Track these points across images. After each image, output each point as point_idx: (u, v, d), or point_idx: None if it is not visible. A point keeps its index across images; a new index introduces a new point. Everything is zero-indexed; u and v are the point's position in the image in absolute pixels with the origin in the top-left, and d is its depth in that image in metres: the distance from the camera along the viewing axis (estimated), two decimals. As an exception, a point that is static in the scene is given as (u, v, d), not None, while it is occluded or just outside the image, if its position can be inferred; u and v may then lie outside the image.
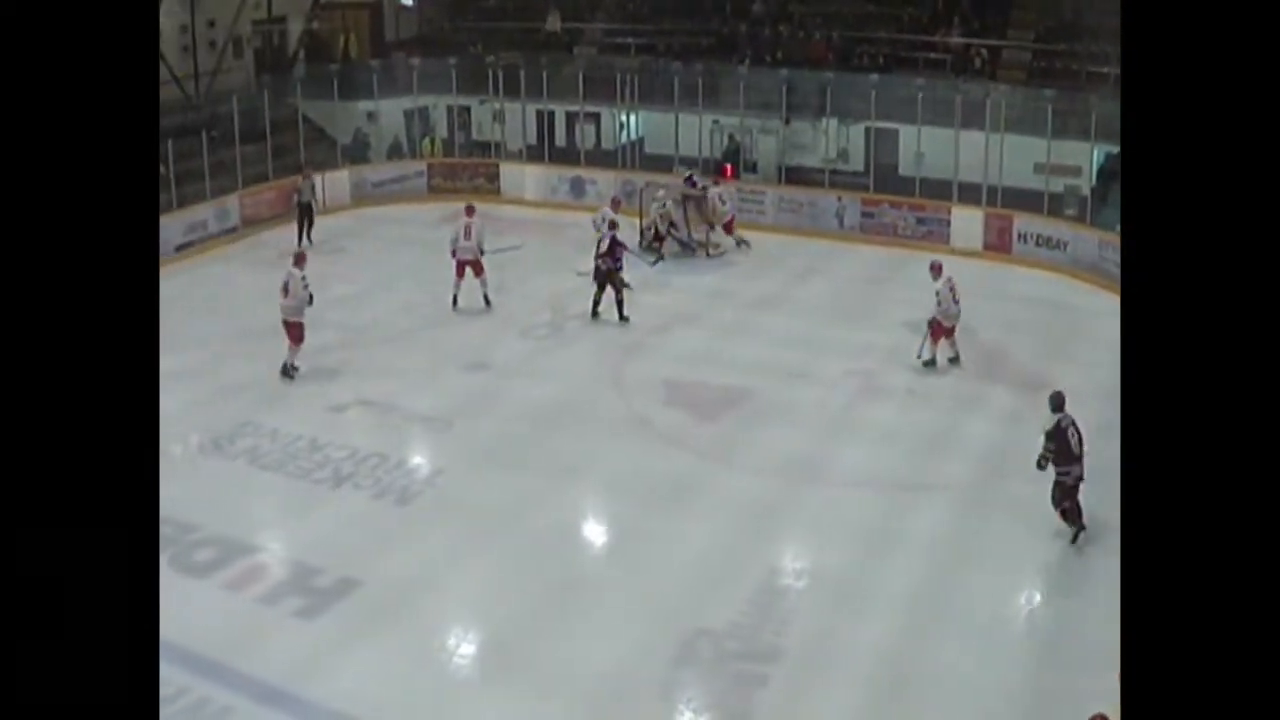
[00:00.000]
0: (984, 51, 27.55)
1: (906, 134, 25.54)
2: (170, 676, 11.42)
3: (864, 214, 25.05)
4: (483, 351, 19.23)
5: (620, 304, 19.83)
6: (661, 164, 27.39)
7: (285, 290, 18.36)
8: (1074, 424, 12.99)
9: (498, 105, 29.47)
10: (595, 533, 14.46)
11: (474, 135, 30.87)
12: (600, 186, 27.36)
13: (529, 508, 14.20)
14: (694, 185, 24.83)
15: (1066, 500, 13.09)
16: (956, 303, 17.72)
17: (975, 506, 14.16)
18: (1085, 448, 12.95)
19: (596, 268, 19.89)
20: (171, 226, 25.24)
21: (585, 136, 29.04)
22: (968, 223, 24.19)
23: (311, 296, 18.25)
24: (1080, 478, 13.00)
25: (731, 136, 27.47)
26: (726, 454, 15.56)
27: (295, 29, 33.54)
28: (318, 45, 33.89)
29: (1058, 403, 13.11)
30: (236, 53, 31.86)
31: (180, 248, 25.36)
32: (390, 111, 30.58)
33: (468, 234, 20.96)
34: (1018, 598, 12.50)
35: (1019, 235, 23.56)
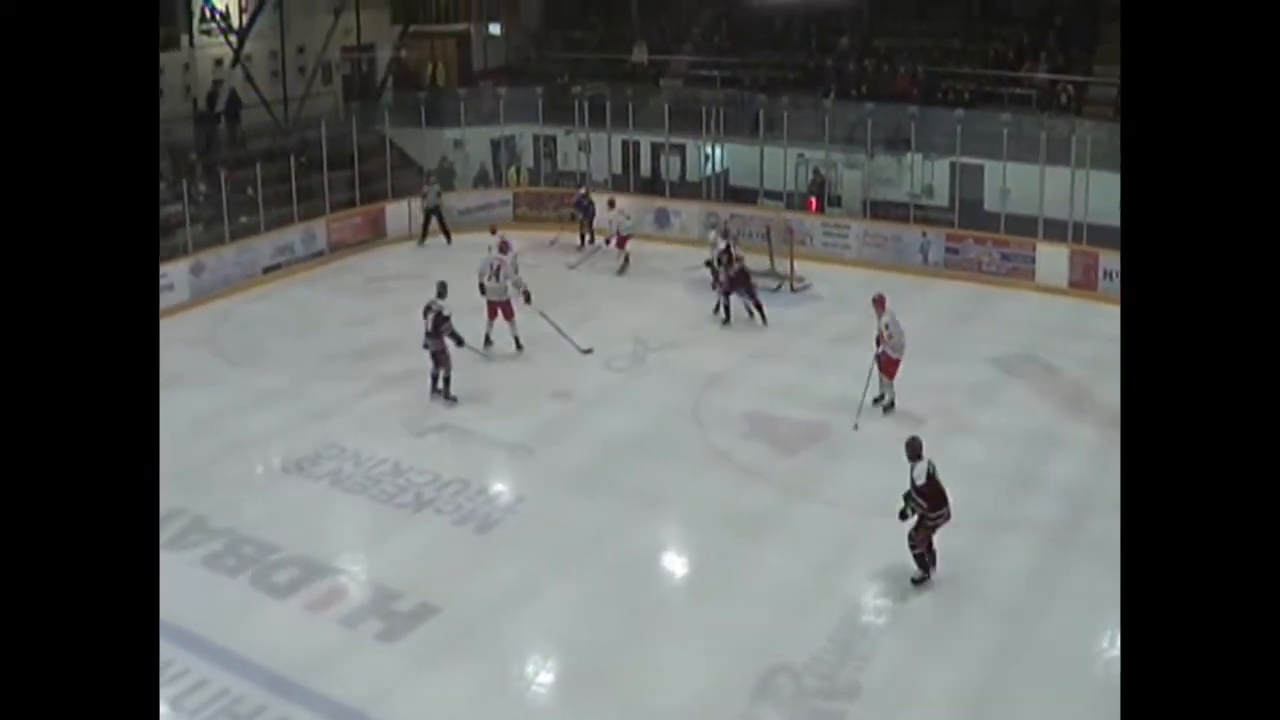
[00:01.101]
0: (1070, 87, 27.29)
1: (992, 170, 25.34)
2: (249, 694, 11.64)
3: (948, 249, 24.86)
4: (565, 381, 19.27)
5: (446, 382, 18.89)
6: (746, 197, 27.43)
7: (496, 275, 19.77)
8: (934, 466, 12.90)
9: (583, 135, 29.64)
10: (675, 564, 14.40)
11: (560, 165, 31.04)
12: (684, 218, 27.42)
13: (609, 537, 14.22)
14: (584, 200, 26.76)
15: (925, 545, 12.95)
16: (903, 332, 17.42)
17: (1059, 546, 13.94)
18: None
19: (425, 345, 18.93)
20: (260, 248, 25.79)
21: (670, 168, 29.09)
22: (1053, 259, 23.91)
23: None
24: (947, 518, 12.88)
25: (816, 170, 27.40)
26: (808, 489, 15.47)
27: (383, 56, 34.02)
28: (405, 73, 34.33)
29: (917, 450, 12.89)
30: (325, 79, 32.41)
31: (268, 269, 25.88)
32: (476, 140, 30.85)
33: (497, 274, 20.37)
34: (1100, 639, 12.27)
35: (1104, 272, 23.23)
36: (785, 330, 21.29)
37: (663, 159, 29.33)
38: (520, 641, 12.49)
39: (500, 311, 20.39)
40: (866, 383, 17.26)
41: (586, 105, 29.49)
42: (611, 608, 12.85)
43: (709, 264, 22.30)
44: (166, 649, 12.45)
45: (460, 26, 36.00)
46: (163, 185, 25.77)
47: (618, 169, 29.57)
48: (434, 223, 28.15)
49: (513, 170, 30.54)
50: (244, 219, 26.34)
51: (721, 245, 21.92)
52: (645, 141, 29.76)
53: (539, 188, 29.95)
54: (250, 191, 26.58)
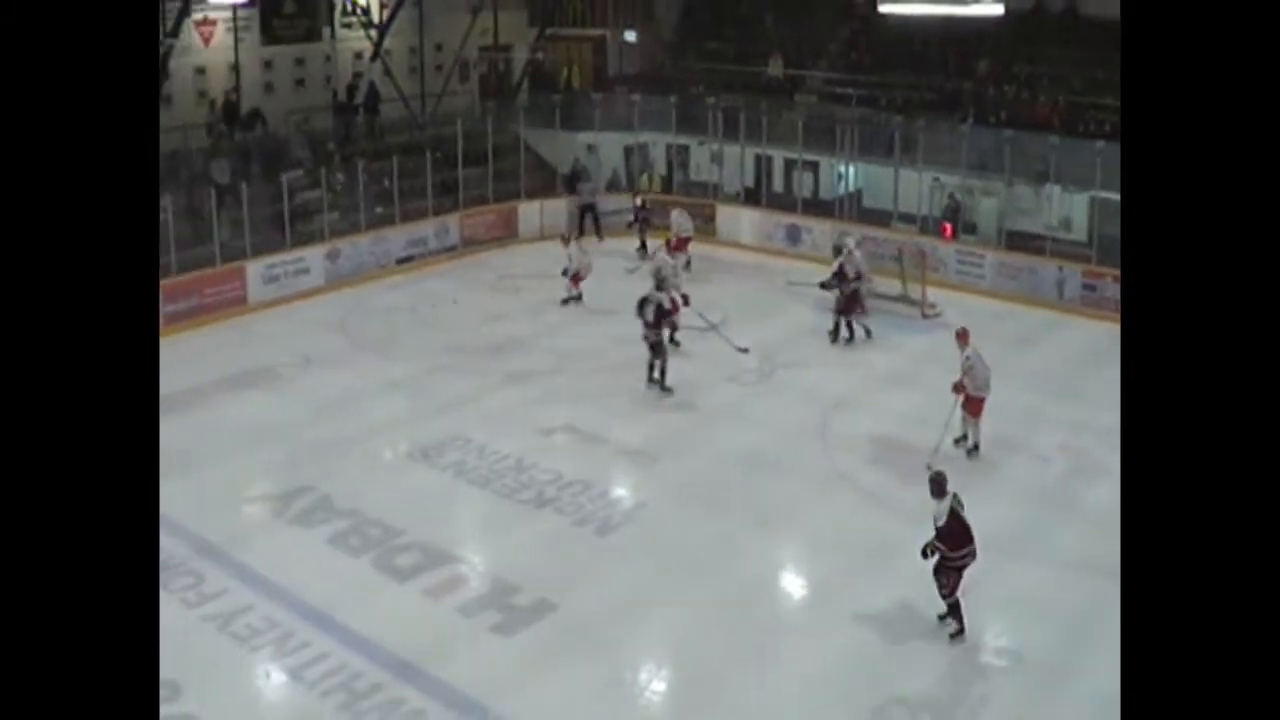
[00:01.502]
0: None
1: (1132, 207, 24.75)
2: (366, 671, 11.88)
3: (1085, 286, 24.32)
4: (691, 391, 19.25)
5: (663, 373, 19.37)
6: (879, 218, 27.15)
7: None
8: (962, 504, 12.48)
9: (716, 147, 29.60)
10: (792, 585, 14.34)
11: (691, 175, 31.04)
12: (815, 236, 27.27)
13: (727, 552, 14.19)
14: (643, 210, 27.39)
15: (954, 587, 12.45)
16: (987, 368, 16.68)
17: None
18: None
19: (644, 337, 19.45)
20: (395, 239, 26.25)
21: (802, 184, 28.93)
22: (1194, 304, 23.32)
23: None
24: (974, 558, 12.41)
25: (952, 195, 27.04)
26: (931, 519, 15.25)
27: (520, 57, 34.32)
28: (541, 75, 34.58)
29: (941, 487, 12.51)
30: (462, 77, 32.78)
31: (401, 260, 26.36)
32: (609, 145, 30.99)
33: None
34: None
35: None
36: (915, 357, 21.00)
37: (796, 175, 29.15)
38: (634, 647, 12.53)
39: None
40: (947, 420, 16.66)
41: (720, 116, 29.40)
42: (726, 623, 12.80)
43: (823, 284, 22.16)
44: (289, 619, 12.79)
45: (597, 32, 36.18)
46: (301, 172, 26.31)
47: (749, 182, 29.47)
48: (588, 220, 28.73)
49: (644, 177, 30.60)
50: (379, 210, 26.81)
51: (835, 266, 21.83)
52: (778, 156, 29.57)
53: (670, 196, 29.93)
54: (386, 183, 27.03)
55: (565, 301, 23.61)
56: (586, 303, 23.48)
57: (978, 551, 12.44)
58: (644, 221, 27.65)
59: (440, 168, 28.05)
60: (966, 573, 12.43)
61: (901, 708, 11.41)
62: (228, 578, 13.76)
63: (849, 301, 21.62)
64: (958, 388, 16.55)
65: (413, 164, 27.57)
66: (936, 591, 12.54)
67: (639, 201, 28.04)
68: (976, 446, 16.89)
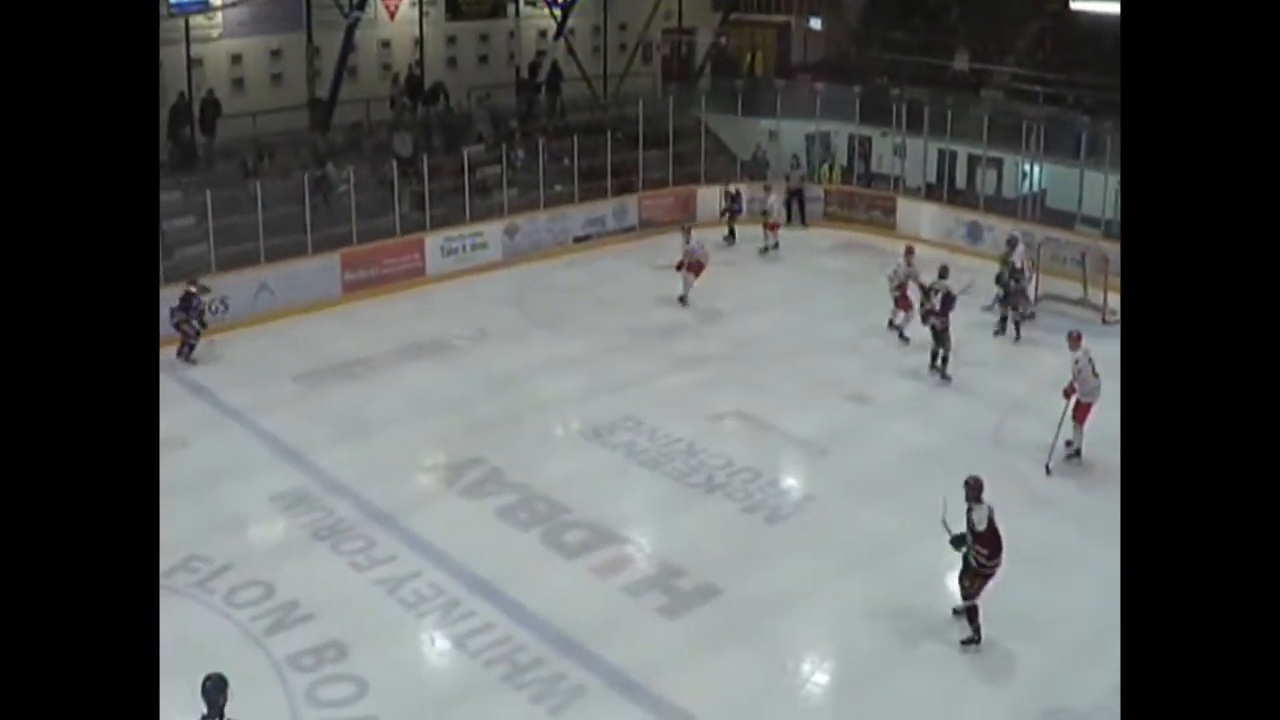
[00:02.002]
0: None
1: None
2: (529, 645, 12.02)
3: (1276, 299, 23.48)
4: (864, 384, 19.04)
5: (944, 361, 19.26)
6: (1062, 220, 26.41)
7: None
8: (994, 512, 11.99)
9: (899, 139, 29.16)
10: (957, 586, 14.02)
11: (873, 166, 30.62)
12: (997, 234, 26.63)
13: (896, 549, 13.95)
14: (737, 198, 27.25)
15: (977, 593, 12.10)
16: (1096, 375, 16.15)
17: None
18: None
19: (931, 325, 19.35)
20: (573, 217, 26.52)
21: (985, 181, 28.36)
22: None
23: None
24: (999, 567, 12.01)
25: (1140, 201, 26.22)
26: (1108, 530, 14.74)
27: (703, 41, 34.34)
28: (724, 59, 34.47)
29: (978, 491, 12.03)
30: (645, 58, 32.90)
31: (579, 239, 26.59)
32: (791, 132, 30.74)
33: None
34: None
35: None
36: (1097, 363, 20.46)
37: (979, 172, 28.59)
38: (798, 638, 12.46)
39: (901, 303, 21.02)
40: (1059, 425, 16.27)
41: (904, 109, 28.94)
42: (892, 621, 12.64)
43: (999, 280, 21.71)
44: (455, 588, 12.99)
45: (781, 18, 35.90)
46: (482, 148, 26.67)
47: (931, 177, 28.98)
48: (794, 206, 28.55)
49: (826, 167, 30.28)
50: (559, 188, 27.05)
51: (1017, 261, 21.52)
52: (962, 152, 29.04)
53: (851, 187, 29.60)
54: (566, 162, 27.25)
55: (681, 299, 22.99)
56: (754, 294, 23.37)
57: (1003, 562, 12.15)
58: (734, 213, 27.71)
59: (620, 148, 28.19)
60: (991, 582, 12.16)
61: (1068, 717, 11.15)
62: (397, 543, 14.06)
63: (1011, 297, 21.38)
64: (1068, 392, 16.20)
65: (593, 143, 27.77)
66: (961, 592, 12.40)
67: (733, 190, 28.00)
68: (1079, 452, 16.47)
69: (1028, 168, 27.78)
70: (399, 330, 21.31)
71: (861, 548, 14.03)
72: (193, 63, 23.91)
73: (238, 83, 25.39)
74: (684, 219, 26.62)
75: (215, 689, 8.79)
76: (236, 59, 25.41)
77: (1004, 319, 21.48)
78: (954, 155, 28.82)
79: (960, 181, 29.02)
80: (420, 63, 28.03)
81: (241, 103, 24.86)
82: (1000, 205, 27.60)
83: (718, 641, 12.23)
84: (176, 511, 14.71)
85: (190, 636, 12.14)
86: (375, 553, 13.83)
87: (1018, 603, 12.88)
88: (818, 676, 12.02)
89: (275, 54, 25.92)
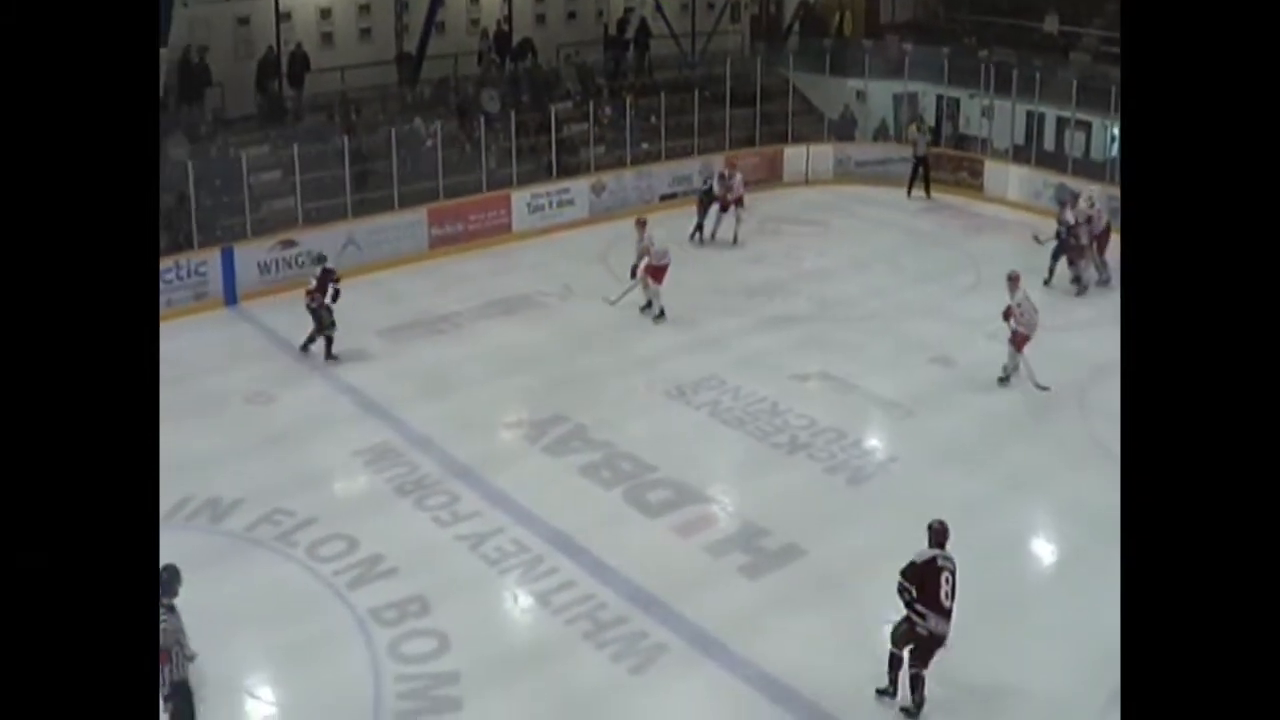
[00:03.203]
0: None
1: None
2: (611, 602, 12.11)
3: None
4: (949, 347, 18.85)
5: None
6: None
7: None
8: (952, 571, 10.64)
9: (987, 101, 28.80)
10: (1041, 552, 14.02)
11: (961, 128, 30.26)
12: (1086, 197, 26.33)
13: (976, 513, 13.70)
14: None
15: (910, 645, 10.73)
16: (1035, 311, 17.23)
17: None
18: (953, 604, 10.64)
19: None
20: (659, 175, 26.59)
21: (1074, 144, 27.94)
22: None
23: None
24: (938, 638, 10.65)
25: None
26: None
27: (792, 0, 33.95)
28: (812, 19, 34.12)
29: (939, 537, 10.80)
30: (733, 17, 32.66)
31: (664, 197, 26.57)
32: (878, 93, 30.47)
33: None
34: None
35: None
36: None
37: (1068, 134, 28.17)
38: (881, 601, 12.26)
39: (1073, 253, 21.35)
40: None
41: (993, 70, 28.56)
42: (972, 586, 12.35)
43: (1059, 235, 21.52)
44: (538, 545, 13.11)
45: (871, -23, 35.55)
46: (569, 104, 26.68)
47: (1019, 139, 28.61)
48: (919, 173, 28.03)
49: (913, 127, 29.96)
50: (645, 145, 27.04)
51: (1070, 218, 21.48)
52: (1051, 114, 28.63)
53: (939, 148, 29.23)
54: (653, 120, 27.20)
55: (645, 309, 20.43)
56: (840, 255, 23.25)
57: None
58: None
59: (707, 107, 28.08)
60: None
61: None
62: (480, 500, 14.19)
63: (1069, 249, 21.45)
64: (1007, 315, 17.18)
65: (680, 101, 27.72)
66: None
67: (724, 171, 25.55)
68: (1007, 378, 17.42)
69: (1116, 131, 27.32)
70: (484, 286, 21.45)
71: (944, 511, 13.74)
72: (281, 17, 24.06)
73: (326, 37, 25.53)
74: (770, 179, 26.48)
75: (171, 578, 9.52)
76: (325, 13, 25.54)
77: (1052, 270, 21.62)
78: (1042, 117, 28.45)
79: (1049, 144, 28.63)
80: (509, 18, 28.01)
81: (330, 57, 25.05)
82: (1089, 168, 27.18)
83: (799, 602, 12.27)
84: (260, 465, 15.05)
85: (274, 590, 12.43)
86: (458, 508, 13.98)
87: (1099, 567, 12.71)
88: (899, 641, 12.00)
89: (364, 8, 26.03)
